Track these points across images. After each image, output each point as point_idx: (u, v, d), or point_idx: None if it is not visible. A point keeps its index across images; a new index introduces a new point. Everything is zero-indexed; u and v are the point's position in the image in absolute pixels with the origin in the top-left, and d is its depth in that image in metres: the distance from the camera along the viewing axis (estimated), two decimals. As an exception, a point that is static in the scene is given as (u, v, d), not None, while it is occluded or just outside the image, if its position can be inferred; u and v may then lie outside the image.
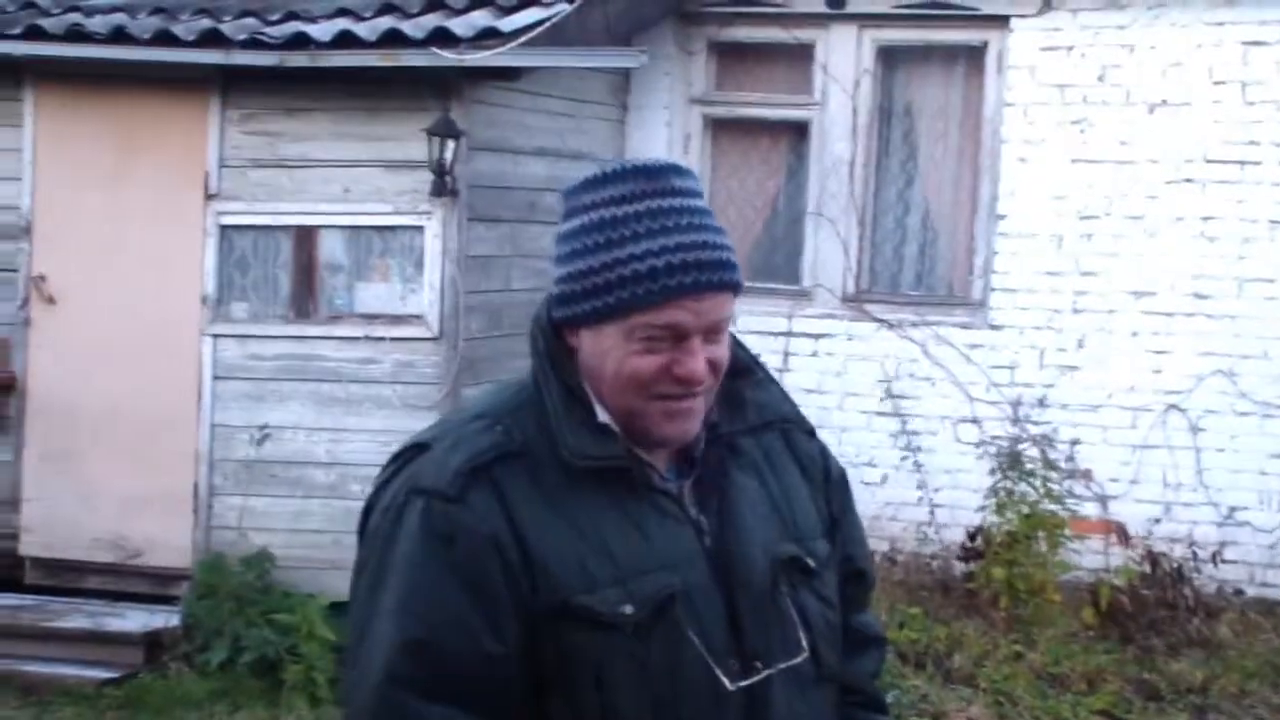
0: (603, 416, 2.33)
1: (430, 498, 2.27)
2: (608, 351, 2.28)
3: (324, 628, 8.21)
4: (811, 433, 2.60)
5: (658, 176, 2.29)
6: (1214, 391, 9.24)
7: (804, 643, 2.38)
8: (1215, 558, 9.28)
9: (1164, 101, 9.26)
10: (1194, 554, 9.28)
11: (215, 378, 8.69)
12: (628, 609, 2.24)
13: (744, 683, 2.30)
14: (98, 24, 8.49)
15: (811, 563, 2.43)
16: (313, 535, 8.60)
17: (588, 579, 2.25)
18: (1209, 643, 8.80)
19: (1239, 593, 9.32)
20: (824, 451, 2.61)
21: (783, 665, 2.34)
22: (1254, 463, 9.29)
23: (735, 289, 2.30)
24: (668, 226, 2.24)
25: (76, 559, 8.94)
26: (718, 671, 2.29)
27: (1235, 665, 8.47)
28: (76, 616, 8.57)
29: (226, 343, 8.71)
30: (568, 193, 2.36)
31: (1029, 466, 9.23)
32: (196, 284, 8.68)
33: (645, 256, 2.22)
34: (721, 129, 10.27)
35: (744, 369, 2.46)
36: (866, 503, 3.29)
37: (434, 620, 2.23)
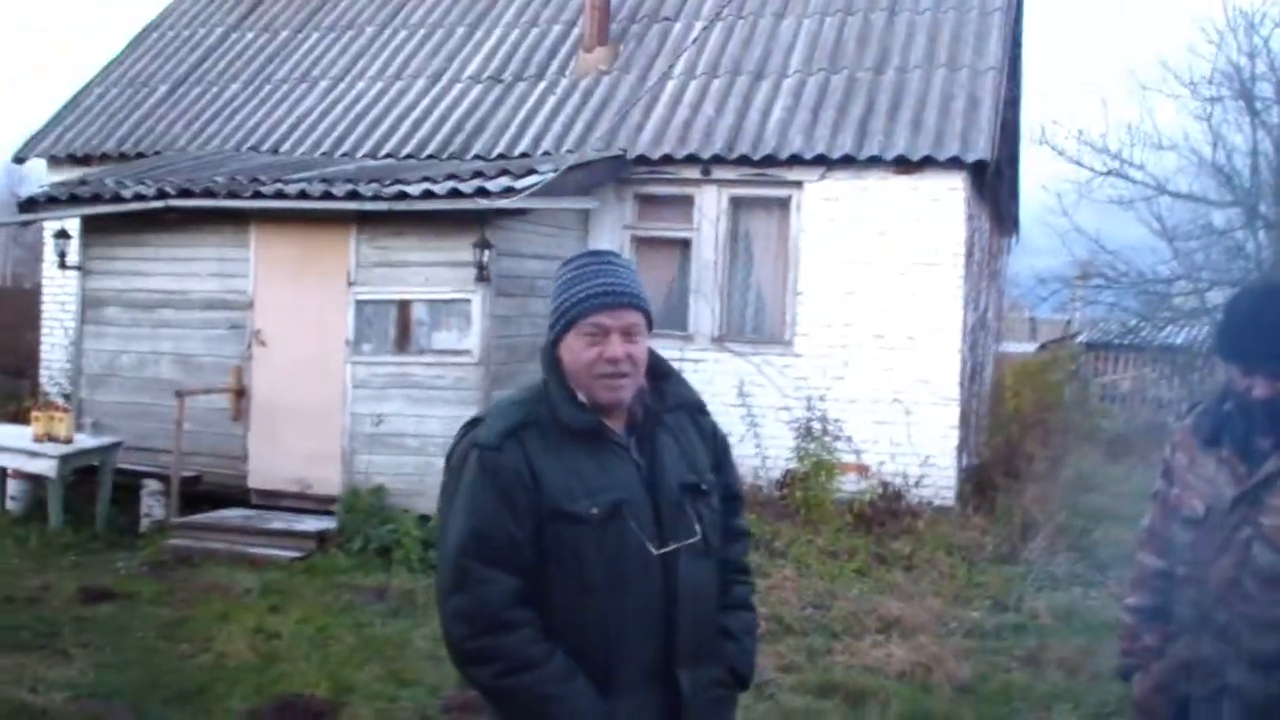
0: (582, 398, 3.00)
1: (483, 449, 2.94)
2: (571, 351, 2.98)
3: (414, 529, 10.89)
4: (704, 411, 3.30)
5: (597, 254, 3.09)
6: (917, 391, 12.79)
7: (697, 530, 3.04)
8: (917, 484, 12.63)
9: (885, 230, 12.94)
10: (906, 482, 12.62)
11: (353, 386, 11.89)
12: (594, 511, 2.91)
13: (662, 550, 2.96)
14: (291, 189, 11.99)
15: (704, 486, 3.12)
16: (407, 477, 11.52)
17: (570, 494, 2.93)
18: (913, 531, 11.95)
19: (929, 504, 12.57)
20: (713, 423, 3.31)
21: (685, 542, 3.01)
22: (939, 431, 12.84)
23: (637, 306, 2.97)
24: (599, 273, 3.00)
25: (278, 489, 12.16)
26: (648, 545, 2.94)
27: (926, 544, 11.57)
28: (278, 521, 11.58)
29: (359, 367, 11.84)
30: (558, 269, 3.10)
31: (816, 435, 12.59)
32: (343, 333, 11.91)
33: (585, 289, 2.96)
34: (642, 243, 13.87)
35: (666, 373, 3.16)
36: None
37: (484, 518, 2.91)
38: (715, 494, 3.17)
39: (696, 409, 3.26)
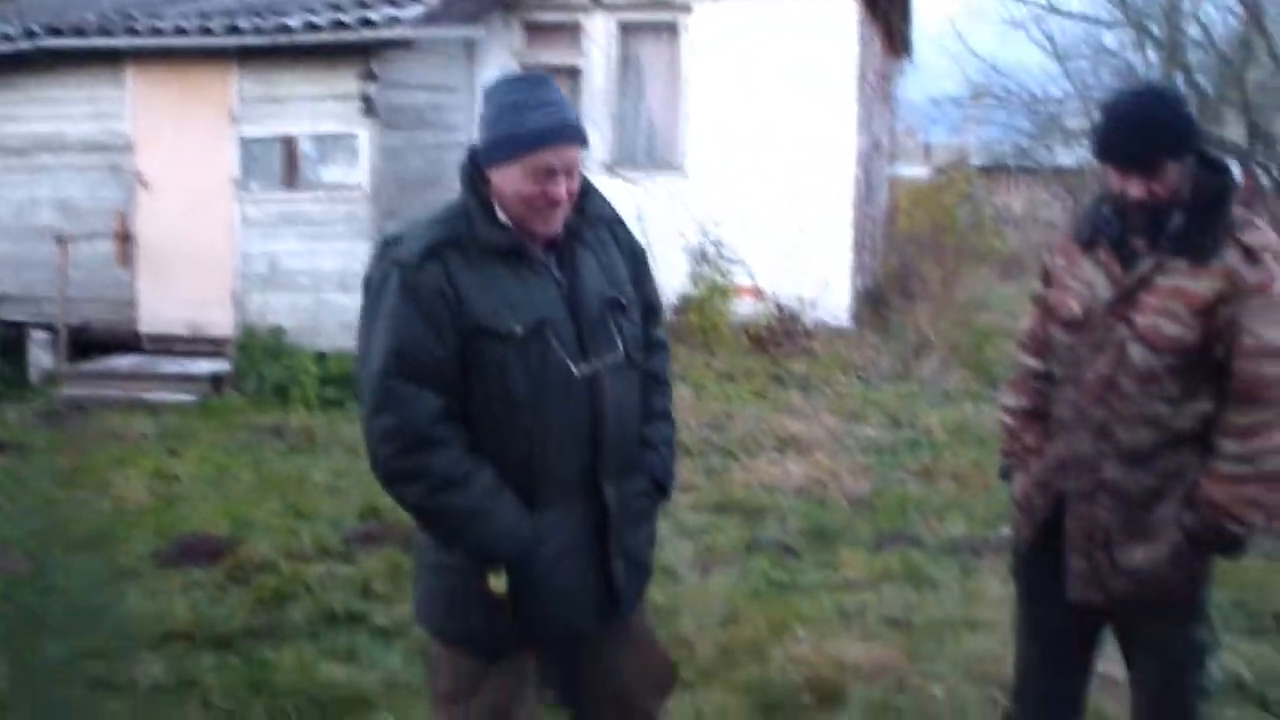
0: (502, 218, 3.01)
1: (404, 268, 2.96)
2: (510, 181, 2.97)
3: (312, 367, 10.95)
4: (623, 224, 3.30)
5: (539, 80, 3.01)
6: (812, 214, 12.89)
7: (619, 346, 3.09)
8: (813, 305, 12.81)
9: (777, 53, 12.89)
10: (802, 304, 12.78)
11: (243, 225, 11.81)
12: (516, 328, 2.95)
13: (585, 367, 3.02)
14: (168, 25, 11.76)
15: (624, 300, 3.15)
16: (302, 315, 11.64)
17: (494, 312, 2.95)
18: (809, 352, 12.28)
19: (825, 325, 12.82)
20: (631, 237, 3.34)
21: (607, 358, 3.06)
22: (834, 253, 13.09)
23: (583, 143, 2.99)
24: (544, 103, 2.94)
25: (169, 333, 12.10)
26: (570, 365, 2.99)
27: (821, 364, 11.97)
28: (172, 365, 11.64)
29: (248, 205, 11.79)
30: (490, 89, 3.02)
31: (711, 259, 12.72)
32: (228, 172, 11.80)
33: (534, 122, 2.92)
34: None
35: (587, 191, 3.15)
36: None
37: (407, 337, 2.93)
38: (635, 308, 3.19)
39: (615, 222, 3.27)
